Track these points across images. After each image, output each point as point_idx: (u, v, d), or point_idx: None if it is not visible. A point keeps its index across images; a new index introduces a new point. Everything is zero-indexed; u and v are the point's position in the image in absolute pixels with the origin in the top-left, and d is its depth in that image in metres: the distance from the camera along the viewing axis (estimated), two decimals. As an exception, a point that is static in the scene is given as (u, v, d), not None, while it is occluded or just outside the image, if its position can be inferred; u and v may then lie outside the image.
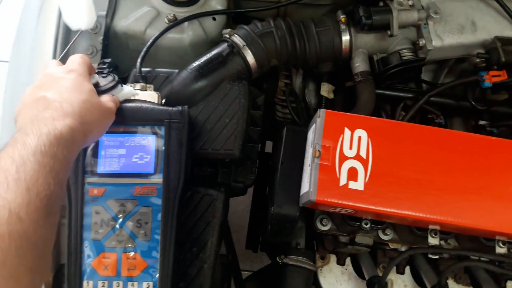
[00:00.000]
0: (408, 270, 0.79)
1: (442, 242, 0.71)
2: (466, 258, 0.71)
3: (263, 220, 0.89)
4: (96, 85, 0.59)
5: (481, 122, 0.83)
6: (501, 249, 0.67)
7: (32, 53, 0.79)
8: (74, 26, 0.62)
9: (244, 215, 1.23)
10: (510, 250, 0.69)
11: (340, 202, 0.57)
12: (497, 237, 0.66)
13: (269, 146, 0.96)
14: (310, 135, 0.64)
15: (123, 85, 0.65)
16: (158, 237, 0.62)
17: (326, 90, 0.86)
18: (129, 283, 0.61)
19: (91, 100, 0.54)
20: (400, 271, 0.78)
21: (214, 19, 0.82)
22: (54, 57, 0.76)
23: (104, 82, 0.61)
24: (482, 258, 0.71)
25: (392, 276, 0.79)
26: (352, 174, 0.57)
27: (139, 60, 0.70)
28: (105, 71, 0.63)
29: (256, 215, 1.04)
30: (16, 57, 0.85)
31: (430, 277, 0.77)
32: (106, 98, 0.58)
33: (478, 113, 0.83)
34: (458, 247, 0.71)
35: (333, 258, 0.80)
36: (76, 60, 0.58)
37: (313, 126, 0.62)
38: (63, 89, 0.52)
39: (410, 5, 0.75)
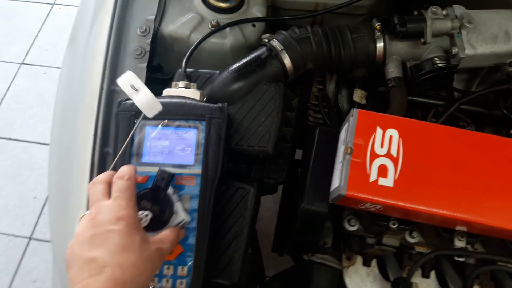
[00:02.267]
0: (434, 275, 0.80)
1: (469, 247, 0.72)
2: (492, 263, 0.71)
3: (291, 223, 0.92)
4: (147, 226, 0.59)
5: (512, 132, 0.84)
6: (529, 255, 0.68)
7: (84, 61, 0.85)
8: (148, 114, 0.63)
9: (270, 222, 1.26)
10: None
11: (369, 197, 0.59)
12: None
13: (298, 155, 0.99)
14: (343, 133, 0.67)
15: (176, 202, 0.63)
16: (194, 224, 0.66)
17: (358, 96, 0.88)
18: (165, 266, 0.65)
19: (142, 257, 0.53)
20: (426, 275, 0.79)
21: (254, 26, 0.87)
22: (105, 64, 0.79)
23: (152, 219, 0.60)
24: (509, 265, 0.71)
25: (417, 279, 0.79)
26: (383, 171, 0.60)
27: (184, 60, 0.75)
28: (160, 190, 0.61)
29: (283, 219, 1.06)
30: (69, 62, 0.90)
31: (455, 282, 0.77)
32: (157, 244, 0.57)
33: (510, 122, 0.84)
34: (484, 251, 0.71)
35: (359, 259, 0.82)
36: (123, 195, 0.57)
37: (346, 125, 0.65)
38: (113, 247, 0.52)
39: (444, 15, 0.77)
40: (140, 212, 0.59)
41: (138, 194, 0.61)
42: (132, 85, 0.61)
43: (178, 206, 0.63)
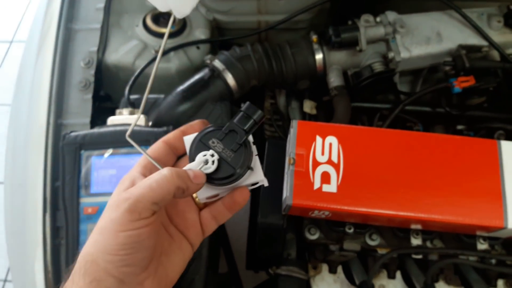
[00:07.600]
0: (400, 275, 0.80)
1: (428, 244, 0.73)
2: (451, 257, 0.72)
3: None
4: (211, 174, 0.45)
5: (459, 127, 0.86)
6: (482, 246, 0.69)
7: (30, 96, 0.84)
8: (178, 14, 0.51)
9: (250, 241, 1.25)
10: (494, 247, 0.71)
11: (315, 204, 0.60)
12: (477, 233, 0.68)
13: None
14: (287, 145, 0.68)
15: (255, 154, 0.48)
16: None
17: (308, 106, 0.90)
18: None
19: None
20: (391, 276, 0.80)
21: (198, 48, 0.88)
22: (50, 98, 0.79)
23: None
24: (469, 257, 0.72)
25: (384, 281, 0.80)
26: (325, 178, 0.61)
27: (127, 88, 0.76)
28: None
29: (253, 235, 1.06)
30: (17, 99, 0.90)
31: (420, 280, 0.78)
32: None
33: (455, 118, 0.86)
34: (442, 247, 0.73)
35: (325, 267, 0.82)
36: None
37: (288, 137, 0.66)
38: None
39: (377, 22, 0.80)
40: (202, 154, 0.45)
41: (204, 132, 0.47)
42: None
43: (257, 162, 0.48)
